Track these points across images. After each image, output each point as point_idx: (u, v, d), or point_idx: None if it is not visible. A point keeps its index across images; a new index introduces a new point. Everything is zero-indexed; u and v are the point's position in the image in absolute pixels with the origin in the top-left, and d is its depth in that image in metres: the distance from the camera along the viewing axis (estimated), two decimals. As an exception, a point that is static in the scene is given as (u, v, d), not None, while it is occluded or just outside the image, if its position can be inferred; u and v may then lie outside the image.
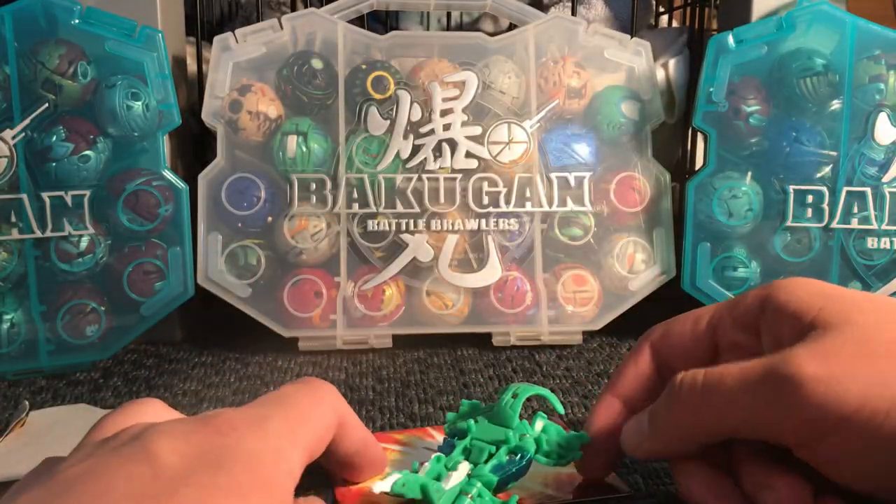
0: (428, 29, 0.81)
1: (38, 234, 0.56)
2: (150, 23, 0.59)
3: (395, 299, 0.61)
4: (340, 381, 0.56)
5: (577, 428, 0.40)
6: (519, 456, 0.35)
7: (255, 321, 0.60)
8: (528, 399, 0.42)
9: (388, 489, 0.31)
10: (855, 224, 0.60)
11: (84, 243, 0.57)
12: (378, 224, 0.61)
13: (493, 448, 0.35)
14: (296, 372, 0.57)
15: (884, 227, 0.60)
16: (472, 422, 0.36)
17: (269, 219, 0.61)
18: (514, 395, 0.37)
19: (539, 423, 0.37)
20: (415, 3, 0.66)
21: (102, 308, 0.58)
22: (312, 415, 0.31)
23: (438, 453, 0.36)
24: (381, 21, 0.77)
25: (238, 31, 0.60)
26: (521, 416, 0.36)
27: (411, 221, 0.61)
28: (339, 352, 0.61)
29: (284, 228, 0.60)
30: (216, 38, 0.60)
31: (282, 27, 0.61)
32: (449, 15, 0.78)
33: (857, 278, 0.61)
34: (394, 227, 0.61)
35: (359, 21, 0.65)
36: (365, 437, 0.35)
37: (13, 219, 0.56)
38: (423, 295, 0.62)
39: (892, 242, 0.60)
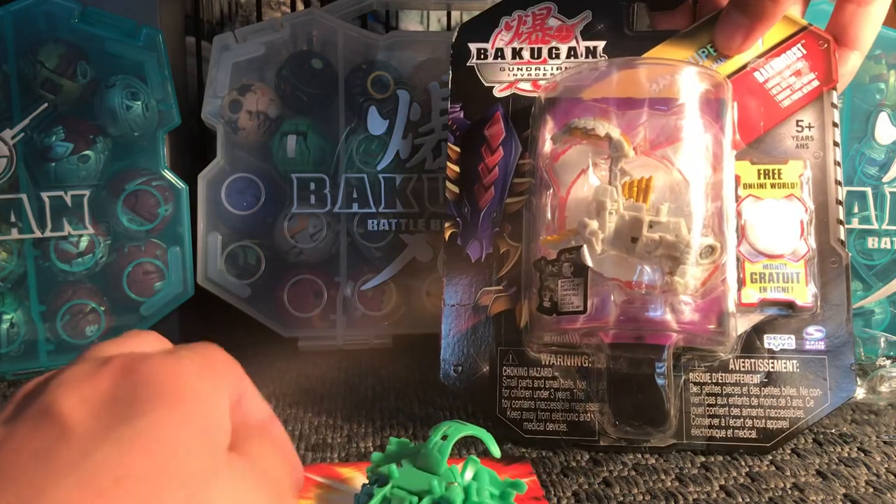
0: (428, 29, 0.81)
1: (38, 234, 0.56)
2: (150, 23, 0.59)
3: (394, 299, 0.61)
4: (340, 381, 0.55)
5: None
6: None
7: (255, 321, 0.60)
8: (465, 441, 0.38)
9: None
10: (855, 224, 0.60)
11: (84, 243, 0.57)
12: (378, 224, 0.61)
13: (416, 498, 0.31)
14: (296, 372, 0.57)
15: (884, 226, 0.60)
16: (394, 467, 0.32)
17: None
18: (445, 437, 0.32)
19: (470, 470, 0.33)
20: (415, 2, 0.66)
21: (102, 308, 0.58)
22: (216, 354, 0.27)
23: None
24: (381, 21, 0.77)
25: (238, 31, 0.60)
26: (453, 460, 0.33)
27: (411, 221, 0.61)
28: (339, 352, 0.61)
29: (284, 228, 0.60)
30: (216, 38, 0.60)
31: (282, 27, 0.61)
32: (449, 15, 0.78)
33: (858, 278, 0.60)
34: (394, 227, 0.61)
35: (359, 21, 0.65)
36: (270, 416, 0.28)
37: (13, 219, 0.56)
38: (423, 295, 0.62)
39: (892, 242, 0.60)
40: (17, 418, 0.23)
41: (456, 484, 0.31)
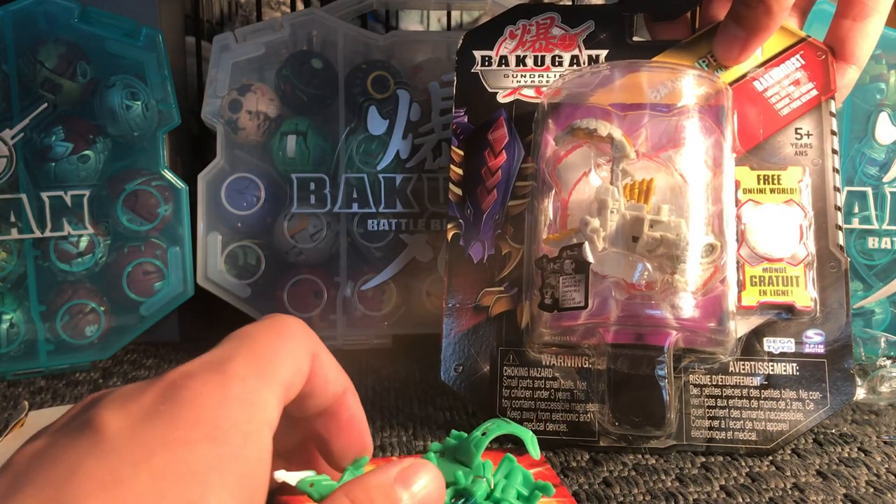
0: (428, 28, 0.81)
1: (38, 234, 0.56)
2: (150, 23, 0.59)
3: (394, 299, 0.61)
4: (340, 382, 0.55)
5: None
6: (463, 500, 0.32)
7: (254, 321, 0.60)
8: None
9: (293, 481, 0.29)
10: (856, 224, 0.60)
11: (83, 243, 0.57)
12: (378, 224, 0.61)
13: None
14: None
15: (884, 226, 0.60)
16: (433, 455, 0.33)
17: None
18: (484, 433, 0.33)
19: (504, 467, 0.34)
20: (415, 2, 0.66)
21: (102, 308, 0.58)
22: (281, 347, 0.28)
23: None
24: (381, 21, 0.77)
25: (238, 31, 0.60)
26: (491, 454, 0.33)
27: (411, 221, 0.61)
28: (339, 352, 0.61)
29: (284, 228, 0.60)
30: (216, 38, 0.60)
31: (282, 27, 0.61)
32: (449, 15, 0.78)
33: (858, 278, 0.60)
34: (394, 227, 0.61)
35: (359, 21, 0.65)
36: (345, 389, 0.31)
37: (12, 219, 0.56)
38: (423, 295, 0.62)
39: (892, 242, 0.60)
40: (64, 428, 0.23)
41: (482, 478, 0.32)
